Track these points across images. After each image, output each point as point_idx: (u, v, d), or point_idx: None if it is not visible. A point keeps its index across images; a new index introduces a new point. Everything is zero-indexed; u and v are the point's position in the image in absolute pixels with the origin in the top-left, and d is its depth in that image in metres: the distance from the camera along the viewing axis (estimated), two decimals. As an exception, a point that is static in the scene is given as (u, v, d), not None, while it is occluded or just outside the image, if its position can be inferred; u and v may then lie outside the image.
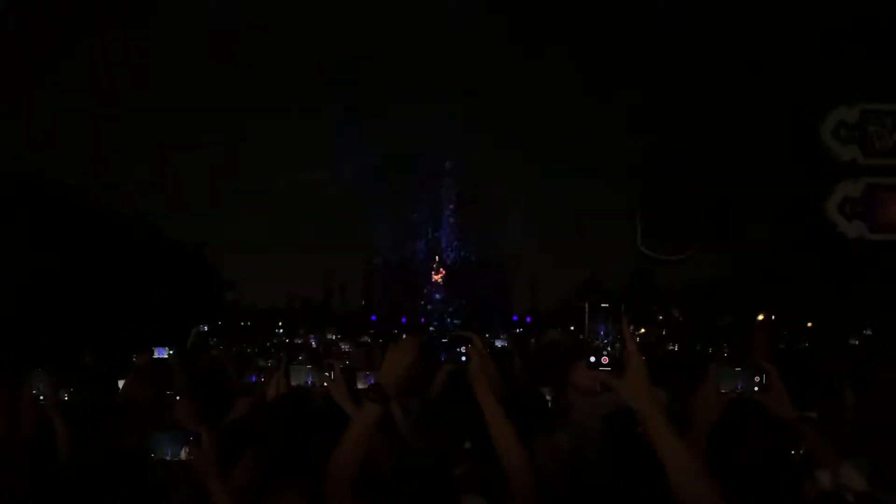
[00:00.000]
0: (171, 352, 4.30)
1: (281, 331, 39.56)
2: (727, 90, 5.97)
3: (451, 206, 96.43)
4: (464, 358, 2.65)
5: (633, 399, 1.62)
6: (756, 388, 2.27)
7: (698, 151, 6.01)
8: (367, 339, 14.78)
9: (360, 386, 2.91)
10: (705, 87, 6.21)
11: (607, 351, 1.60)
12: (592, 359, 1.61)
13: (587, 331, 1.62)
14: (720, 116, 5.98)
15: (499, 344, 8.95)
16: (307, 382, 2.75)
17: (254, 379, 3.92)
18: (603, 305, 1.61)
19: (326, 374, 2.71)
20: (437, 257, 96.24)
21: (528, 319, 65.81)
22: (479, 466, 2.65)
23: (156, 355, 4.37)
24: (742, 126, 5.86)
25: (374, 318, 76.25)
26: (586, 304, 1.64)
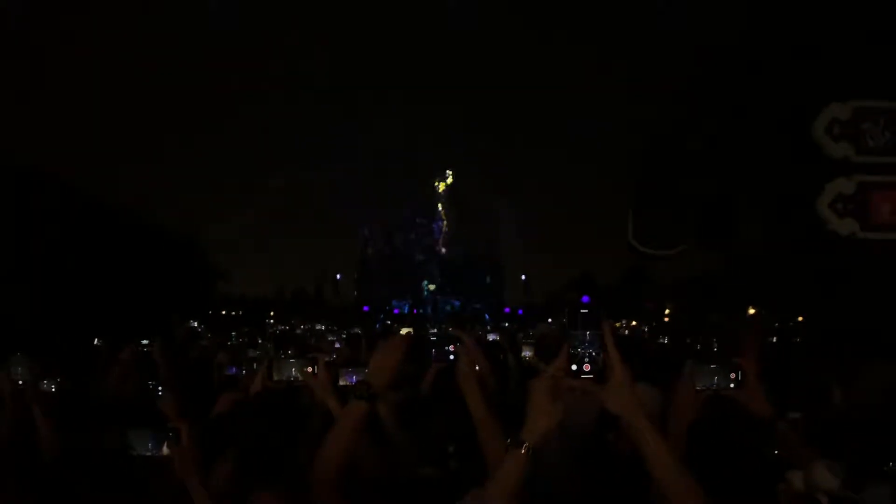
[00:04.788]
0: (153, 343, 4.23)
1: (272, 321, 39.57)
2: (720, 88, 5.95)
3: (445, 199, 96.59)
4: (452, 357, 2.62)
5: (618, 408, 1.60)
6: (732, 386, 2.25)
7: (691, 149, 5.99)
8: (357, 330, 14.74)
9: (341, 383, 2.84)
10: (699, 85, 6.18)
11: (589, 358, 1.56)
12: (574, 367, 1.57)
13: (568, 338, 1.58)
14: (713, 114, 5.96)
15: (491, 338, 8.95)
16: (291, 377, 2.67)
17: (233, 371, 3.86)
18: (583, 311, 1.57)
19: (309, 369, 2.64)
20: (430, 249, 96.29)
21: (521, 312, 66.14)
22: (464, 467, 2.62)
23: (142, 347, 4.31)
24: (735, 123, 5.84)
25: (366, 308, 76.44)
26: (566, 310, 1.61)
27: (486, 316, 67.02)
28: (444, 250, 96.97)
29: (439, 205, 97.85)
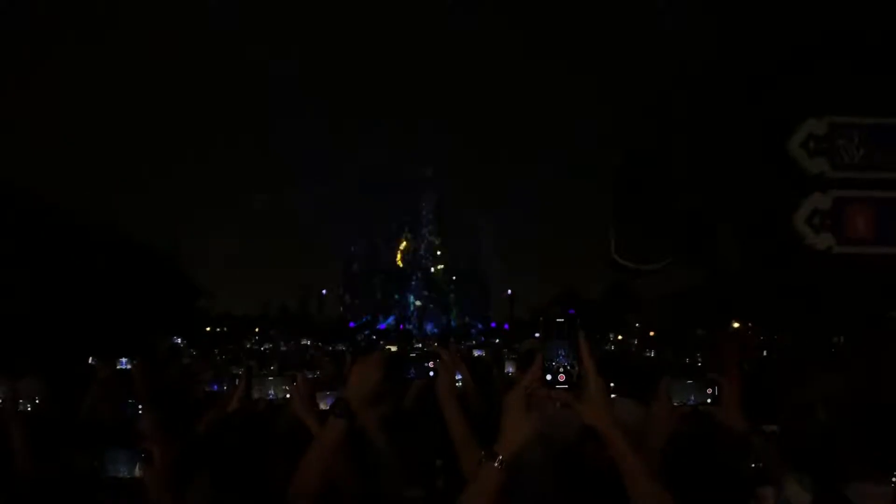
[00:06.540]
0: (133, 362, 4.18)
1: (257, 338, 39.28)
2: (697, 103, 6.02)
3: (429, 215, 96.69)
4: (432, 374, 2.62)
5: (593, 420, 1.60)
6: (708, 401, 2.26)
7: (669, 164, 6.04)
8: (342, 347, 14.64)
9: (321, 406, 2.79)
10: (676, 101, 6.25)
11: (564, 369, 1.55)
12: (549, 377, 1.56)
13: (543, 349, 1.57)
14: (691, 129, 6.03)
15: (476, 354, 8.92)
16: (269, 396, 2.62)
17: (215, 388, 3.83)
18: (559, 321, 1.56)
19: (287, 387, 2.60)
20: (416, 265, 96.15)
21: (507, 327, 66.13)
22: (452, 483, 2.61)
23: (120, 366, 4.26)
24: (713, 138, 5.91)
25: (352, 324, 76.07)
26: (540, 319, 1.60)
27: (472, 333, 66.94)
28: (431, 268, 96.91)
29: (424, 221, 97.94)
